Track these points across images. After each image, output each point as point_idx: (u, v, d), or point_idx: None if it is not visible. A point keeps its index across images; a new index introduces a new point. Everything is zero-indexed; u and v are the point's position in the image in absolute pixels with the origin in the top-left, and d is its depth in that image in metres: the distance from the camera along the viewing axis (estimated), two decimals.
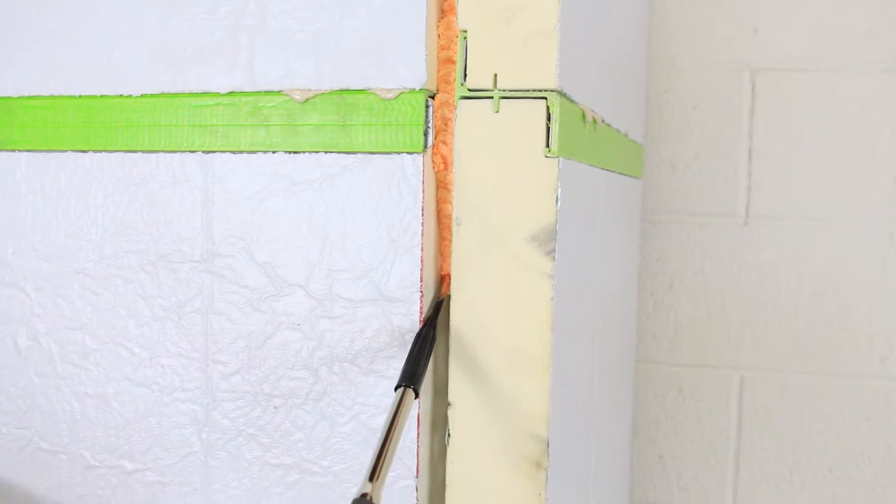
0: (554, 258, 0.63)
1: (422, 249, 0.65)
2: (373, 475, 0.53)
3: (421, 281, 0.65)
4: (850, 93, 1.20)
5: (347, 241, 0.67)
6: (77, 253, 0.74)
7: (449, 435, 0.66)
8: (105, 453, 0.75)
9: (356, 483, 0.68)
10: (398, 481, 0.67)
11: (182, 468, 0.72)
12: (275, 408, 0.69)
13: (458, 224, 0.65)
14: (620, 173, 0.97)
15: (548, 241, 0.63)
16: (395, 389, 0.60)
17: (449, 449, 0.66)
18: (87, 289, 0.74)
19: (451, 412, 0.66)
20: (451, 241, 0.66)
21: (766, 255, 1.23)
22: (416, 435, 0.66)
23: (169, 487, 0.73)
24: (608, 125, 0.86)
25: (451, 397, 0.66)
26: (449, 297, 0.67)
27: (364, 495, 0.51)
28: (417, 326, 0.65)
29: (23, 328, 0.77)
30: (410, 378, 0.60)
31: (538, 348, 0.64)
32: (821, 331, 1.22)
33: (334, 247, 0.67)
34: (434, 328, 0.65)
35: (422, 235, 0.65)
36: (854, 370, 1.22)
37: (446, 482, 0.67)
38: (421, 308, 0.65)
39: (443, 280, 0.69)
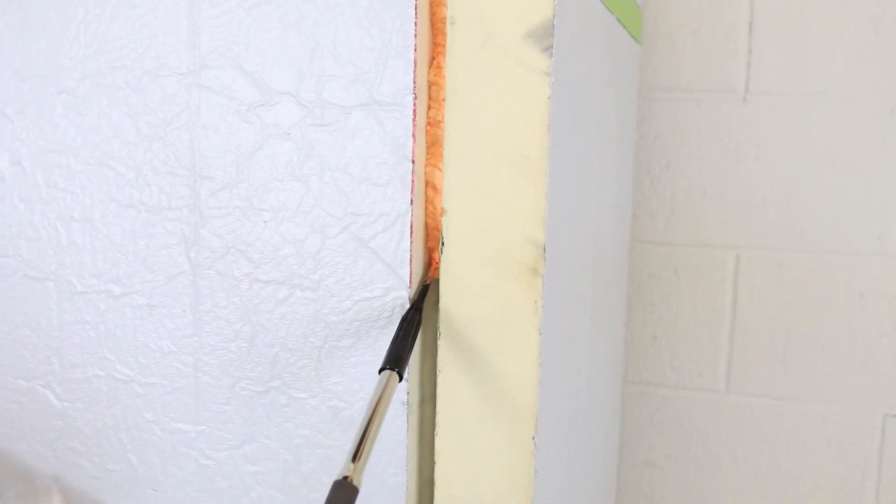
0: (551, 55, 0.61)
1: (415, 51, 0.63)
2: (355, 456, 0.53)
3: (414, 84, 0.63)
4: None
5: (338, 45, 0.65)
6: (59, 72, 0.72)
7: (442, 244, 0.65)
8: (92, 278, 0.73)
9: (347, 297, 0.66)
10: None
11: (170, 289, 0.71)
12: (264, 222, 0.68)
13: (452, 24, 0.63)
14: (619, 21, 0.95)
15: (545, 37, 0.61)
16: (380, 372, 0.60)
17: (442, 257, 0.65)
18: (71, 109, 0.72)
19: (444, 219, 0.65)
20: (444, 46, 0.64)
21: (765, 131, 1.22)
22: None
23: (157, 310, 0.72)
24: None
25: (445, 203, 0.65)
26: (436, 280, 0.66)
27: (345, 478, 0.51)
28: (410, 131, 0.63)
29: (5, 153, 0.75)
30: (395, 361, 0.60)
31: (535, 150, 0.62)
32: (818, 208, 1.21)
33: (325, 52, 0.65)
34: (420, 312, 0.64)
35: (415, 36, 0.63)
36: (851, 247, 1.21)
37: (440, 287, 0.66)
38: (414, 111, 0.63)
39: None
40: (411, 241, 0.65)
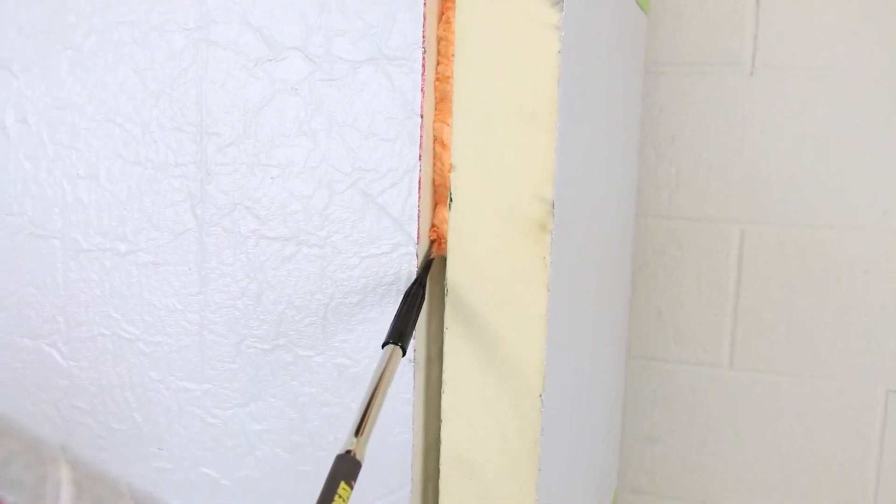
0: (561, 9, 0.61)
1: (424, 5, 0.63)
2: (358, 430, 0.53)
3: (423, 38, 0.63)
4: None
5: (347, 0, 0.64)
6: (65, 28, 0.72)
7: (451, 200, 0.65)
8: (98, 236, 0.73)
9: (354, 254, 0.66)
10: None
11: (176, 247, 0.71)
12: (271, 178, 0.68)
13: None
14: None
15: None
16: (383, 346, 0.60)
17: (451, 214, 0.65)
18: (77, 65, 0.72)
19: (453, 175, 0.64)
20: (454, 0, 0.64)
21: (771, 106, 1.21)
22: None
23: (163, 268, 0.72)
24: None
25: (453, 159, 0.64)
26: (441, 256, 0.66)
27: (348, 452, 0.51)
28: (419, 86, 0.63)
29: (10, 111, 0.74)
30: (399, 336, 0.60)
31: (544, 105, 0.62)
32: (823, 184, 1.21)
33: (333, 6, 0.64)
34: (424, 286, 0.64)
35: None
36: (856, 223, 1.20)
37: (447, 249, 0.65)
38: (423, 66, 0.63)
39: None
40: (419, 197, 0.64)
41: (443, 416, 0.67)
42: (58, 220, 0.74)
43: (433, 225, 0.67)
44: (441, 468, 0.68)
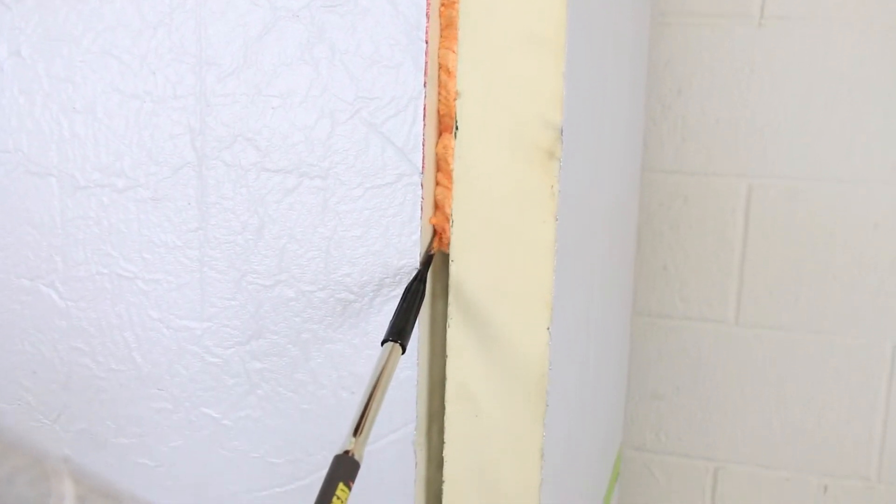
0: None
1: None
2: (357, 430, 0.52)
3: None
4: None
5: None
6: None
7: (456, 128, 0.63)
8: (96, 172, 0.71)
9: (358, 185, 0.65)
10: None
11: (175, 182, 0.69)
12: (272, 108, 0.66)
13: None
14: None
15: None
16: (382, 344, 0.59)
17: (456, 142, 0.63)
18: None
19: (458, 102, 0.63)
20: None
21: (780, 57, 1.19)
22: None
23: (162, 203, 0.70)
24: None
25: (459, 86, 0.63)
26: (441, 252, 0.65)
27: (346, 452, 0.51)
28: (424, 10, 0.61)
29: (3, 43, 0.72)
30: (398, 333, 0.59)
31: (553, 29, 0.60)
32: (832, 136, 1.19)
33: None
34: (424, 283, 0.63)
35: None
36: (865, 176, 1.19)
37: (453, 178, 0.64)
38: None
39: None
40: (424, 125, 0.63)
41: (448, 352, 0.66)
42: (54, 156, 0.72)
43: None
44: (446, 405, 0.67)
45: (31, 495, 0.34)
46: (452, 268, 0.65)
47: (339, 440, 0.69)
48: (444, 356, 0.67)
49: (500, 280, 0.64)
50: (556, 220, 0.62)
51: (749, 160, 1.22)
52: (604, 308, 0.96)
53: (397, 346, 0.59)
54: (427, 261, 0.65)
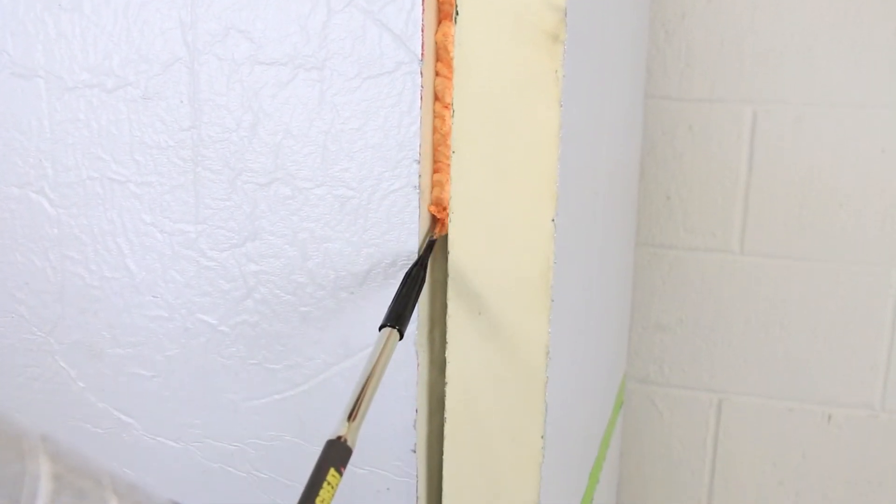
0: None
1: None
2: (351, 415, 0.52)
3: None
4: None
5: None
6: None
7: (456, 14, 0.61)
8: (84, 72, 0.69)
9: (355, 75, 0.62)
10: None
11: (167, 79, 0.67)
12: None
13: None
14: None
15: None
16: (380, 329, 0.58)
17: (456, 29, 0.61)
18: None
19: None
20: None
21: None
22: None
23: (153, 102, 0.68)
24: None
25: None
26: (444, 237, 0.64)
27: (339, 437, 0.51)
28: None
29: None
30: (397, 319, 0.59)
31: None
32: (839, 60, 1.16)
33: None
34: (425, 269, 0.62)
35: None
36: (872, 101, 1.16)
37: (453, 67, 0.62)
38: None
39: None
40: (423, 10, 0.60)
41: (450, 247, 0.64)
42: (40, 57, 0.70)
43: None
44: (448, 304, 0.65)
45: (6, 474, 0.32)
46: (454, 159, 0.63)
47: (338, 345, 0.67)
48: (445, 249, 0.65)
49: (503, 164, 0.61)
50: (561, 106, 0.60)
51: (754, 86, 1.20)
52: (607, 237, 0.94)
53: (395, 332, 0.59)
54: (428, 246, 0.64)
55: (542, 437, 0.64)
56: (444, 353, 0.66)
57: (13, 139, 0.72)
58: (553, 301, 0.63)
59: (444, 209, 0.64)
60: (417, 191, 0.63)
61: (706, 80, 1.21)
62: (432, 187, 0.65)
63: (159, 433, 0.74)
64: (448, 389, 0.66)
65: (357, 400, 0.53)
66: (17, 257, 0.74)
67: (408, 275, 0.62)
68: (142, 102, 0.68)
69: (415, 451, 0.67)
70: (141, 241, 0.71)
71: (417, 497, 0.68)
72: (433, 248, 0.64)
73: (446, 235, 0.64)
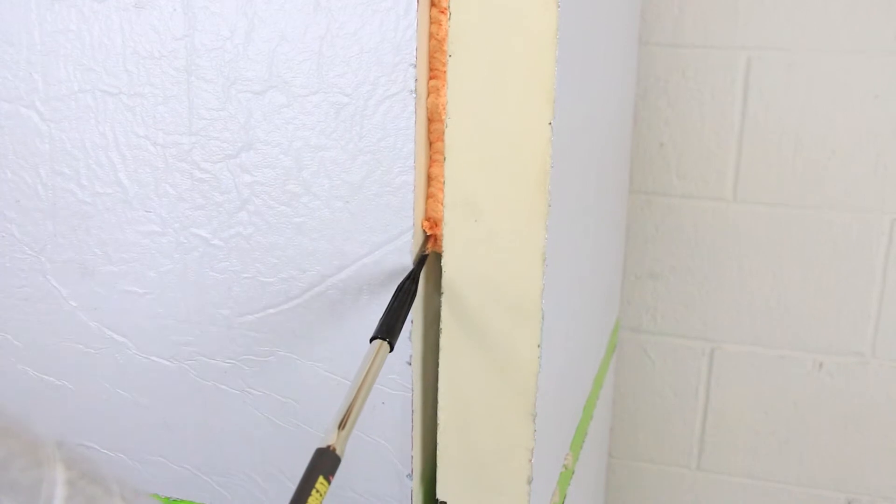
0: None
1: None
2: (341, 424, 0.53)
3: None
4: None
5: None
6: None
7: None
8: None
9: None
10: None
11: None
12: None
13: None
14: None
15: None
16: (371, 341, 0.59)
17: None
18: None
19: None
20: None
21: None
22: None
23: (146, 11, 0.67)
24: None
25: None
26: (434, 253, 0.65)
27: (329, 446, 0.51)
28: None
29: None
30: (388, 331, 0.60)
31: None
32: (833, 5, 1.16)
33: None
34: (416, 282, 0.62)
35: None
36: (866, 46, 1.16)
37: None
38: None
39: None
40: None
41: (447, 154, 0.64)
42: None
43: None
44: (445, 211, 0.65)
45: (25, 481, 0.34)
46: (450, 63, 0.62)
47: (333, 256, 0.67)
48: (441, 155, 0.64)
49: (501, 84, 0.61)
50: (558, 7, 0.59)
51: (748, 32, 1.19)
52: (600, 184, 0.94)
53: (385, 344, 0.59)
54: (420, 261, 0.65)
55: (538, 345, 0.64)
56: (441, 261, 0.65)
57: (2, 52, 0.71)
58: (553, 163, 0.62)
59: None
60: (414, 95, 0.62)
61: (699, 26, 1.20)
62: (428, 93, 0.64)
63: (152, 352, 0.74)
64: (444, 300, 0.66)
65: (347, 409, 0.54)
66: (8, 175, 0.73)
67: (399, 288, 0.63)
68: (134, 11, 0.67)
69: (410, 364, 0.67)
70: (133, 154, 0.70)
71: (413, 409, 0.68)
72: (425, 262, 0.65)
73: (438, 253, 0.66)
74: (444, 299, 0.66)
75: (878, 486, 1.28)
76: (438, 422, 0.69)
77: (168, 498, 0.77)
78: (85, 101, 0.70)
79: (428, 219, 0.66)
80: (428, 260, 0.66)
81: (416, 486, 0.70)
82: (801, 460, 1.29)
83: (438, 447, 0.69)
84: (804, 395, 1.27)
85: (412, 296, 0.62)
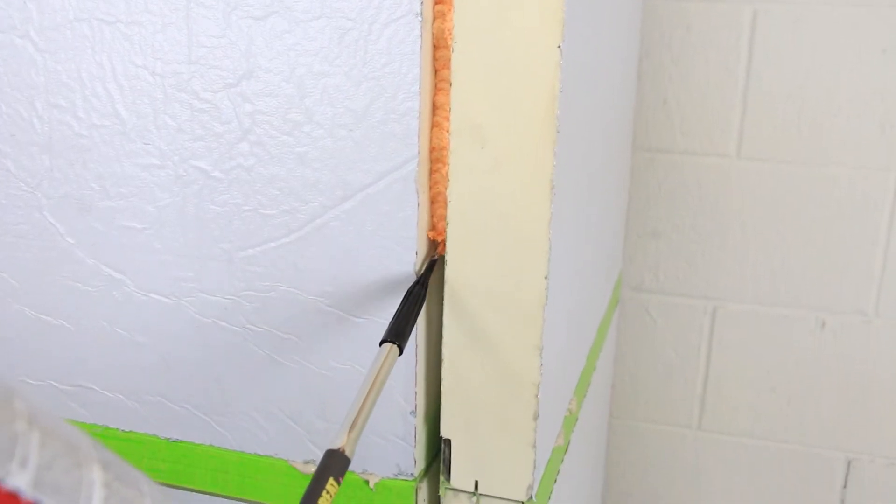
0: None
1: None
2: (351, 427, 0.54)
3: None
4: None
5: None
6: None
7: None
8: None
9: None
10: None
11: None
12: None
13: None
14: None
15: None
16: (380, 344, 0.60)
17: None
18: None
19: None
20: None
21: None
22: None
23: None
24: None
25: None
26: (442, 257, 0.64)
27: (339, 448, 0.52)
28: None
29: None
30: (397, 335, 0.60)
31: None
32: None
33: None
34: (425, 287, 0.63)
35: None
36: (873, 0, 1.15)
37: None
38: None
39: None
40: None
41: (453, 80, 0.62)
42: None
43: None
44: (451, 138, 0.63)
45: (67, 482, 0.34)
46: (454, 28, 0.61)
47: (336, 187, 0.65)
48: (447, 83, 0.63)
49: (508, 6, 0.60)
50: None
51: None
52: (603, 148, 0.92)
53: (394, 347, 0.60)
54: (430, 266, 0.65)
55: (545, 276, 0.63)
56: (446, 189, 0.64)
57: None
58: (562, 88, 0.61)
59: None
60: (420, 18, 0.61)
61: None
62: (434, 18, 0.63)
63: (151, 289, 0.73)
64: (449, 230, 0.65)
65: (357, 412, 0.55)
66: (2, 108, 0.72)
67: (409, 293, 0.63)
68: None
69: None
70: (131, 84, 0.68)
71: (416, 345, 0.67)
72: (433, 268, 0.66)
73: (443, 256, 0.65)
74: (448, 230, 0.65)
75: (880, 446, 1.28)
76: (442, 357, 0.68)
77: (168, 439, 0.76)
78: (81, 30, 0.68)
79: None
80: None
81: (419, 423, 0.69)
82: (802, 420, 1.29)
83: (442, 383, 0.68)
84: (806, 355, 1.26)
85: (421, 300, 0.63)
